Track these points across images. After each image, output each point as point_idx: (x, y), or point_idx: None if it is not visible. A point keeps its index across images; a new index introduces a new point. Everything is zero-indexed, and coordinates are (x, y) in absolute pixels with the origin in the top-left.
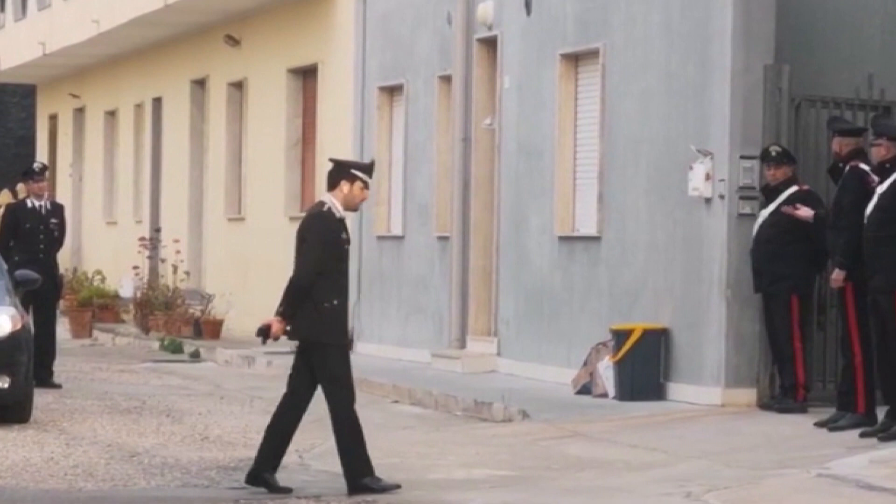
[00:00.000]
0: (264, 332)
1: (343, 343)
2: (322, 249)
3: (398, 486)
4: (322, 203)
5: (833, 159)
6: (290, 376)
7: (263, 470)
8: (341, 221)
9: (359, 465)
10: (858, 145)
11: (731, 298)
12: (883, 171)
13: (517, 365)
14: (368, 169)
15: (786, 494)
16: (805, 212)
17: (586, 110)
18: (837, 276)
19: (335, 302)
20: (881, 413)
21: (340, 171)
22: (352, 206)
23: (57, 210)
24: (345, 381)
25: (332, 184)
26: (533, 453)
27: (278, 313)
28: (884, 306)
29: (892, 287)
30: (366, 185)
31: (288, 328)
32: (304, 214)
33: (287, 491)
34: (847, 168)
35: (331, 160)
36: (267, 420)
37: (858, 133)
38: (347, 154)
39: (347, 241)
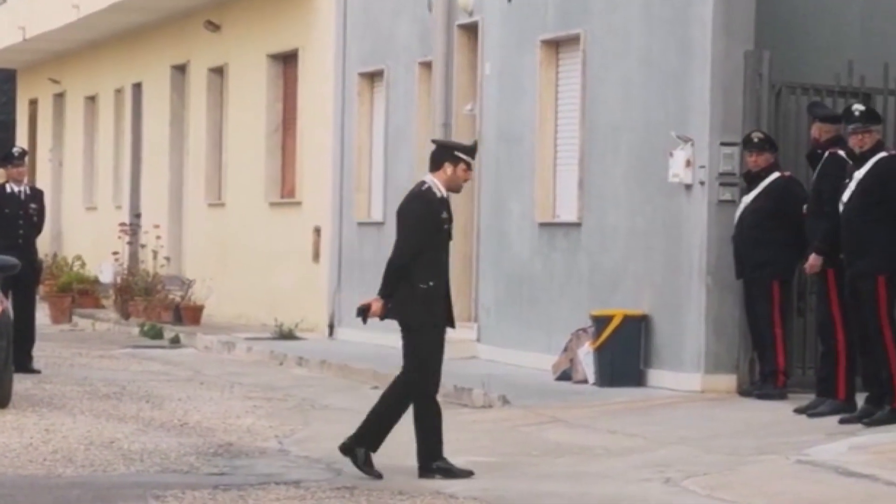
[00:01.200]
0: (364, 312)
1: (435, 325)
2: (420, 230)
3: (470, 473)
4: (423, 183)
5: (811, 145)
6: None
7: (361, 446)
8: (442, 201)
9: (435, 450)
10: (838, 132)
11: (712, 285)
12: (861, 157)
13: (497, 351)
14: (472, 150)
15: (765, 480)
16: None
17: (567, 97)
18: (814, 261)
19: (431, 283)
20: (860, 399)
21: (444, 153)
22: (455, 188)
23: (36, 195)
24: (429, 365)
25: (436, 165)
26: (513, 439)
27: (379, 293)
28: (864, 292)
29: (872, 272)
30: (469, 167)
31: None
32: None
33: (378, 476)
34: (826, 155)
35: (433, 142)
36: (246, 404)
37: (838, 120)
38: (328, 140)
39: (448, 221)
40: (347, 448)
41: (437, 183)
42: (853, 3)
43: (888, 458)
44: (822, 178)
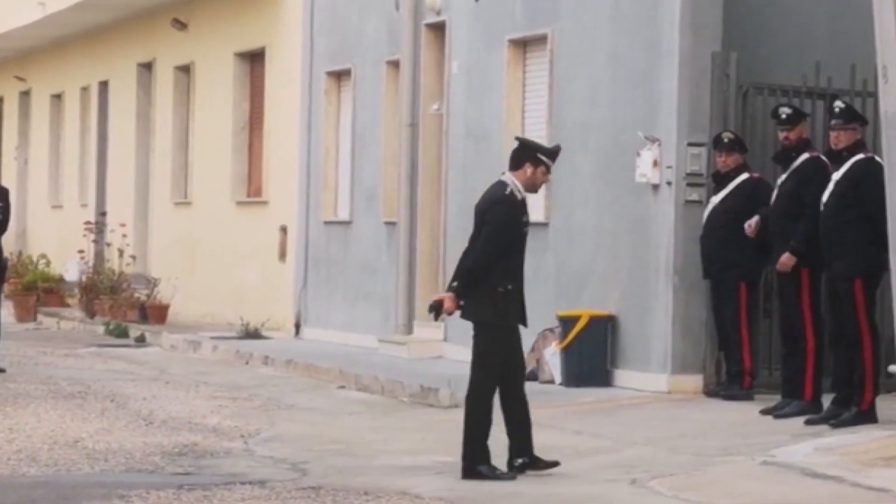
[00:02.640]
0: (437, 308)
1: (510, 327)
2: (503, 234)
3: (513, 478)
4: (503, 185)
5: (782, 145)
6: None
7: (478, 463)
8: (523, 203)
9: (479, 451)
10: (807, 133)
11: (678, 285)
12: (839, 158)
13: (464, 351)
14: (555, 154)
15: (731, 481)
16: (754, 223)
17: (534, 96)
18: (787, 259)
19: (509, 287)
20: (826, 401)
21: (527, 153)
22: (533, 189)
23: (2, 194)
24: (492, 365)
25: (517, 164)
26: None
27: (451, 289)
28: (842, 294)
29: (850, 275)
30: (548, 170)
31: (461, 305)
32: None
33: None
34: (806, 157)
35: (518, 139)
36: (211, 404)
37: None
38: (295, 139)
39: (527, 224)
40: (470, 471)
41: (517, 184)
42: (820, 4)
43: (854, 459)
44: (806, 180)
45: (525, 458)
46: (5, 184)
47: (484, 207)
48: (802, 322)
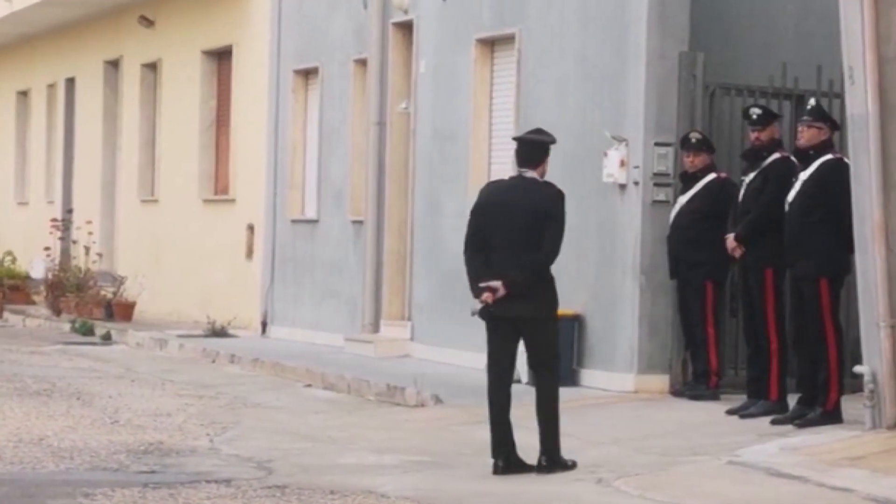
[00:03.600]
0: (476, 295)
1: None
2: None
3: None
4: (546, 182)
5: (752, 145)
6: (497, 360)
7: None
8: None
9: (557, 443)
10: (778, 134)
11: (645, 285)
12: (807, 158)
13: (430, 350)
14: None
15: (697, 481)
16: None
17: (502, 95)
18: (731, 243)
19: (552, 274)
20: (792, 401)
21: (544, 148)
22: None
23: None
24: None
25: (537, 160)
26: (445, 438)
27: (516, 290)
28: (806, 294)
29: (816, 275)
30: None
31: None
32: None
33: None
34: (777, 157)
35: (530, 137)
36: (177, 402)
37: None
38: (262, 137)
39: None
40: (550, 466)
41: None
42: (787, 5)
43: (819, 459)
44: (774, 179)
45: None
46: None
47: (546, 203)
48: (766, 322)
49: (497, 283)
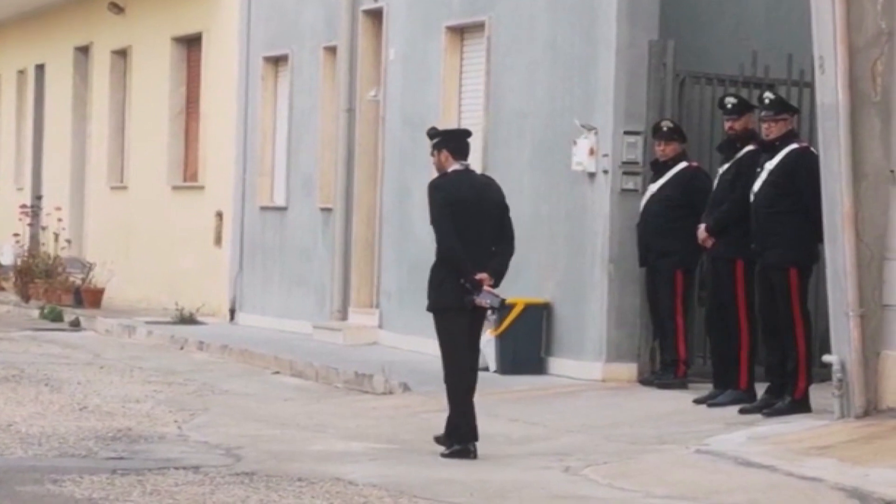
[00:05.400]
0: (476, 285)
1: None
2: None
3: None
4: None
5: (727, 135)
6: (464, 347)
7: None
8: None
9: None
10: (753, 124)
11: (614, 273)
12: (772, 147)
13: (399, 338)
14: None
15: (665, 470)
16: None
17: (471, 83)
18: (702, 233)
19: None
20: (760, 389)
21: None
22: None
23: None
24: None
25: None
26: (413, 426)
27: (499, 280)
28: (775, 283)
29: (785, 264)
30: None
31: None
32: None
33: None
34: (751, 148)
35: (466, 130)
36: (145, 389)
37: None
38: (231, 124)
39: None
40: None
41: None
42: None
43: (787, 448)
44: (741, 172)
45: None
46: None
47: (502, 198)
48: (736, 312)
49: (485, 275)
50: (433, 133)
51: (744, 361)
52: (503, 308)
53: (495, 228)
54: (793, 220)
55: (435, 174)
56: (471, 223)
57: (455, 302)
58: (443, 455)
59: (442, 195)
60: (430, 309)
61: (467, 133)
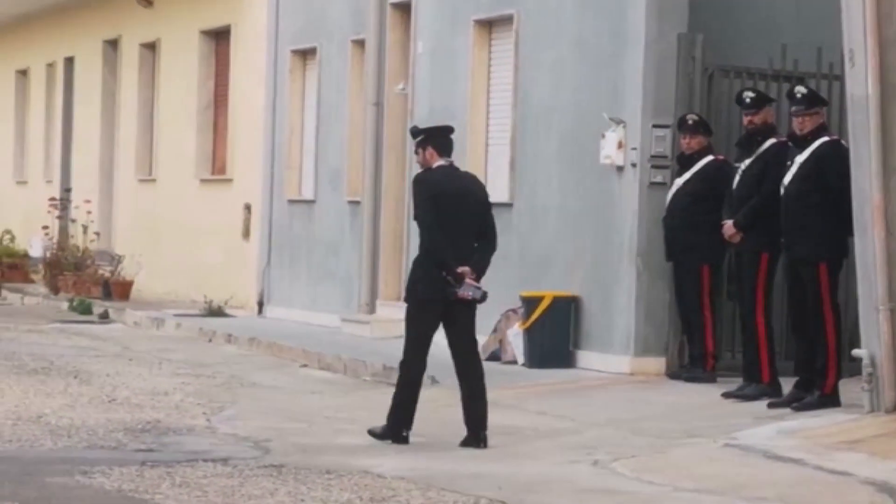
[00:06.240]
0: (458, 278)
1: None
2: None
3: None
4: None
5: (746, 129)
6: (428, 341)
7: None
8: None
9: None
10: (772, 118)
11: (642, 267)
12: (803, 141)
13: None
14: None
15: (693, 463)
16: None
17: (499, 77)
18: (729, 229)
19: None
20: (787, 384)
21: None
22: None
23: None
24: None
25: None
26: (441, 419)
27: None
28: (805, 277)
29: (815, 258)
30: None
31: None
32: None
33: None
34: (772, 142)
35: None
36: (174, 381)
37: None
38: (259, 117)
39: None
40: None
41: None
42: None
43: (816, 442)
44: (767, 165)
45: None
46: None
47: (486, 195)
48: (754, 305)
49: (466, 268)
50: (416, 131)
51: (764, 355)
52: (484, 300)
53: (478, 224)
54: (823, 213)
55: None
56: (454, 218)
57: (432, 294)
58: (371, 432)
59: (426, 190)
60: (408, 300)
61: (451, 129)
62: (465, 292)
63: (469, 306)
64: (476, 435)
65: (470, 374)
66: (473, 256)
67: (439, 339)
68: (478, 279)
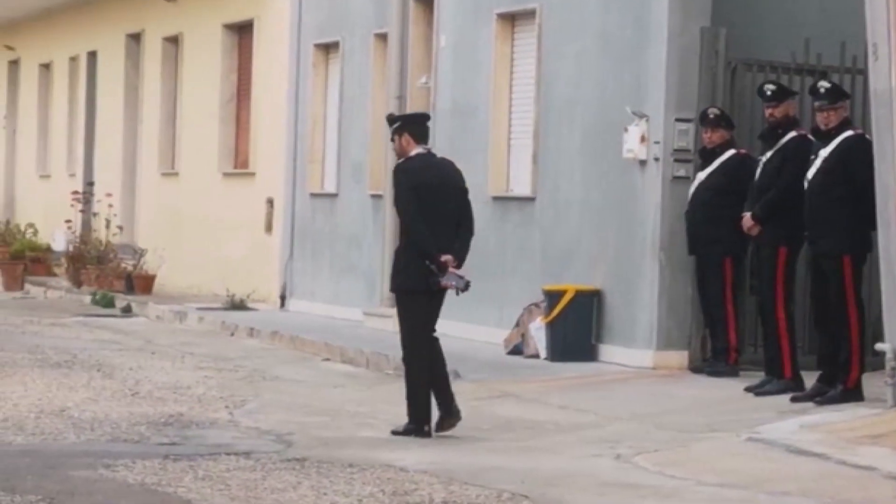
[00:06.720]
0: (441, 267)
1: None
2: None
3: None
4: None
5: (768, 122)
6: (428, 330)
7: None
8: None
9: None
10: (794, 111)
11: (664, 261)
12: (827, 135)
13: (449, 324)
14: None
15: (716, 458)
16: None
17: (522, 70)
18: (747, 221)
19: None
20: (809, 378)
21: None
22: None
23: None
24: None
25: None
26: (463, 413)
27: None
28: (828, 271)
29: (838, 252)
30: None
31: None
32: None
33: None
34: (793, 136)
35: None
36: (197, 374)
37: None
38: (282, 111)
39: None
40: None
41: None
42: None
43: (839, 437)
44: (792, 159)
45: None
46: None
47: (464, 182)
48: (774, 299)
49: (449, 257)
50: (393, 118)
51: (786, 350)
52: (468, 289)
53: (457, 211)
54: (846, 207)
55: (397, 159)
56: (435, 206)
57: (421, 284)
58: (394, 432)
59: (408, 180)
60: (394, 290)
61: (426, 117)
62: (449, 281)
63: (442, 296)
64: (449, 409)
65: (435, 357)
66: (454, 245)
67: (451, 333)
68: (458, 267)
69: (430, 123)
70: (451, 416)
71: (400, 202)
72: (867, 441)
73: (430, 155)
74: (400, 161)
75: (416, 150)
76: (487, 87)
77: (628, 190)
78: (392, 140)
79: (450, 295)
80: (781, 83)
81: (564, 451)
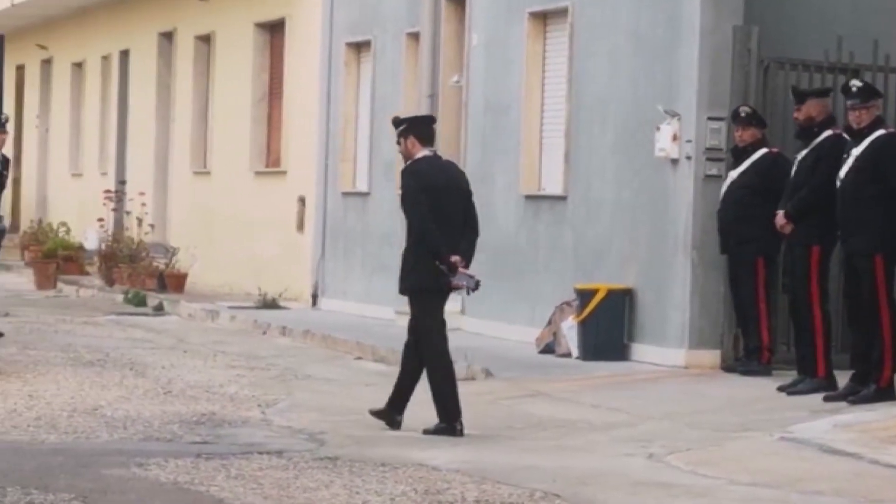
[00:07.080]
0: (452, 268)
1: None
2: None
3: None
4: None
5: (803, 123)
6: (444, 328)
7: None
8: None
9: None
10: (829, 109)
11: (697, 260)
12: (859, 133)
13: (481, 323)
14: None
15: (749, 457)
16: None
17: (554, 69)
18: (780, 219)
19: None
20: (844, 377)
21: None
22: None
23: (5, 162)
24: None
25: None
26: (495, 412)
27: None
28: (860, 270)
29: (870, 250)
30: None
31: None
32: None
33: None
34: (829, 134)
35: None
36: (229, 373)
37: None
38: (314, 109)
39: None
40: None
41: None
42: None
43: (872, 436)
44: (826, 157)
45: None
46: (26, 152)
47: (468, 185)
48: (809, 298)
49: (458, 257)
50: (398, 121)
51: (820, 349)
52: (478, 288)
53: (463, 212)
54: (879, 206)
55: (404, 163)
56: (442, 207)
57: (433, 283)
58: (426, 432)
59: (417, 181)
60: (407, 291)
61: (432, 119)
62: (460, 281)
63: (448, 295)
64: (399, 408)
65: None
66: (461, 245)
67: (483, 331)
68: (466, 267)
69: (435, 126)
70: (393, 413)
71: (409, 204)
72: None
73: (436, 157)
74: (407, 163)
75: (422, 153)
76: (519, 85)
77: (660, 188)
78: (398, 143)
79: (480, 294)
80: (795, 85)
81: (596, 450)
